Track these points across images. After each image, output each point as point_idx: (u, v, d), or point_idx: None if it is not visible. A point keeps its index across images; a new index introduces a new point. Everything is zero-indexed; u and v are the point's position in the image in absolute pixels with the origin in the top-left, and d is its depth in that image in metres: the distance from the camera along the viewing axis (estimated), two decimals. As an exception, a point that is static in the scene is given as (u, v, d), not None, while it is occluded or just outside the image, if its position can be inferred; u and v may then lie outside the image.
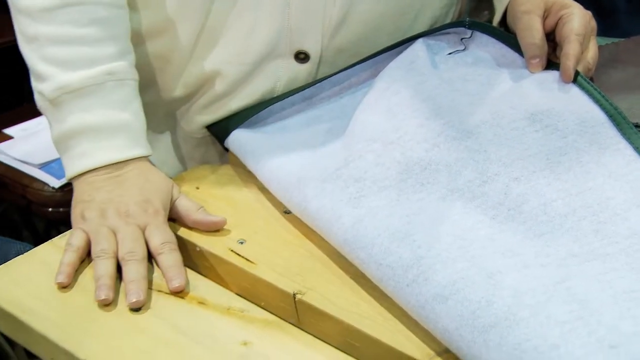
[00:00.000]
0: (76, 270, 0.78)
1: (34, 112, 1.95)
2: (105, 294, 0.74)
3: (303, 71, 0.98)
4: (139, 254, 0.78)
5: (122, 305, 0.74)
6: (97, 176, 0.85)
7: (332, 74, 0.98)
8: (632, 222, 0.71)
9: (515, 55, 0.91)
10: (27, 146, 1.87)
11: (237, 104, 0.98)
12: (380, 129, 0.84)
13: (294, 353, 0.70)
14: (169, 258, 0.78)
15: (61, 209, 1.75)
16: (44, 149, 1.82)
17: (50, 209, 1.77)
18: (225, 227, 0.84)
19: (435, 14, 1.03)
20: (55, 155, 1.80)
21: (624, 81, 0.90)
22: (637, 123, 0.81)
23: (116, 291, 0.76)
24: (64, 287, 0.76)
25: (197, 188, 0.91)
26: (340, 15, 0.94)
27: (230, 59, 0.95)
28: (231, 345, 0.70)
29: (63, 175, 1.75)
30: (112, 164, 0.85)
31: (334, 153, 0.85)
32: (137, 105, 0.90)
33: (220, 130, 0.97)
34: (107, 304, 0.74)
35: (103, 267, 0.76)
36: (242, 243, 0.82)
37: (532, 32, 0.88)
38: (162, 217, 0.83)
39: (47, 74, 0.86)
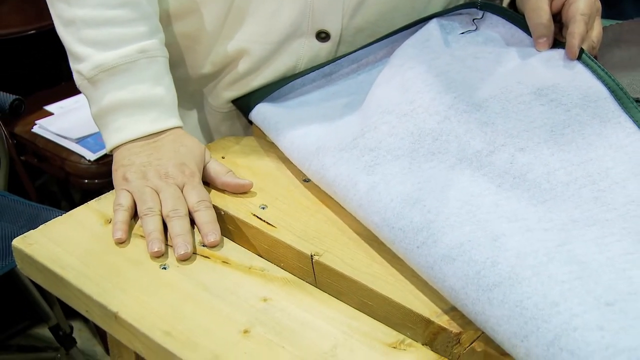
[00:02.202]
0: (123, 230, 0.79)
1: (72, 91, 1.99)
2: (158, 246, 0.76)
3: (324, 50, 0.98)
4: (182, 211, 0.80)
5: (151, 263, 0.75)
6: (134, 143, 0.86)
7: (350, 52, 0.98)
8: (630, 190, 0.72)
9: (524, 34, 0.92)
10: (65, 122, 1.90)
11: (261, 80, 0.98)
12: (395, 102, 0.84)
13: (310, 309, 0.70)
14: (205, 215, 0.80)
15: (96, 181, 1.77)
16: (80, 125, 1.84)
17: (86, 181, 1.80)
18: (248, 193, 0.85)
19: None
20: (91, 131, 1.84)
21: (626, 59, 0.90)
22: (637, 98, 0.81)
23: (144, 250, 0.77)
24: (121, 242, 0.78)
25: (223, 157, 0.92)
26: None
27: (256, 38, 0.95)
28: (252, 301, 0.71)
29: (98, 149, 1.79)
30: (147, 135, 0.87)
31: (351, 125, 0.86)
32: (168, 80, 0.91)
33: (245, 104, 0.98)
34: (158, 256, 0.76)
35: (152, 223, 0.78)
36: (263, 208, 0.83)
37: (539, 13, 0.88)
38: (197, 178, 0.85)
39: (84, 54, 0.87)
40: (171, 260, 0.76)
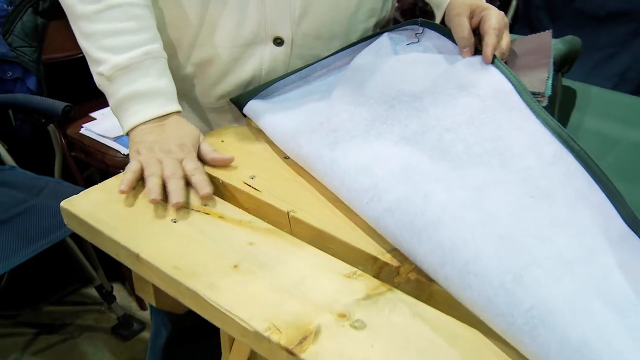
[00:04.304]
0: (133, 189, 0.81)
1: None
2: (155, 194, 0.78)
3: (281, 53, 0.99)
4: (178, 174, 0.81)
5: (165, 218, 0.77)
6: (145, 125, 0.88)
7: (321, 59, 1.00)
8: (527, 160, 0.74)
9: (453, 45, 0.94)
10: (105, 125, 1.91)
11: (235, 79, 1.00)
12: (353, 95, 0.86)
13: (285, 251, 0.72)
14: (200, 177, 0.82)
15: (130, 171, 1.79)
16: (117, 127, 1.83)
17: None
18: (240, 166, 0.87)
19: (373, 6, 1.03)
20: (126, 131, 1.85)
21: (527, 63, 0.91)
22: (533, 92, 0.84)
23: (160, 210, 0.78)
24: (124, 193, 0.80)
25: (222, 141, 0.94)
26: (302, 8, 0.96)
27: (226, 44, 0.97)
28: (241, 245, 0.73)
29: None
30: (155, 117, 0.89)
31: (319, 113, 0.88)
32: (168, 74, 0.92)
33: (240, 101, 0.99)
34: (154, 204, 0.79)
35: (153, 182, 0.80)
36: (252, 178, 0.85)
37: (462, 29, 0.91)
38: (193, 154, 0.86)
39: (103, 58, 0.89)
40: (180, 216, 0.77)
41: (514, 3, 2.45)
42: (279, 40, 0.98)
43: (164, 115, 0.89)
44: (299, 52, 1.00)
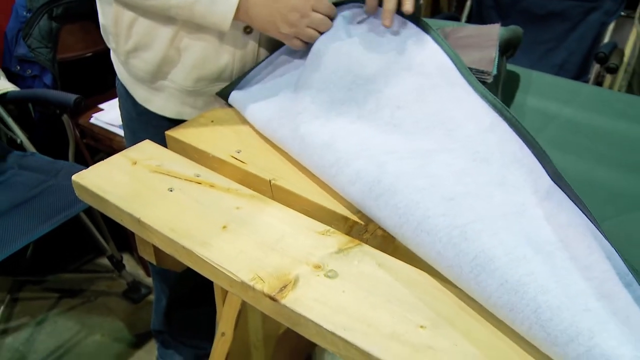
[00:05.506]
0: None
1: (116, 95, 1.99)
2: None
3: (250, 40, 0.96)
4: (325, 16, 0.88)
5: (162, 187, 0.76)
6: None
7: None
8: (468, 130, 0.74)
9: (396, 16, 0.90)
10: (112, 115, 1.89)
11: (212, 64, 0.96)
12: (314, 80, 0.85)
13: (268, 214, 0.72)
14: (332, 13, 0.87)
15: (135, 153, 1.78)
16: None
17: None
18: (228, 142, 0.86)
19: None
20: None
21: (474, 43, 0.90)
22: (482, 70, 0.83)
23: (158, 180, 0.78)
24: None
25: (212, 121, 0.92)
26: None
27: (204, 32, 0.93)
28: (229, 209, 0.73)
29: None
30: None
31: (288, 99, 0.86)
32: None
33: (224, 93, 0.96)
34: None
35: (308, 35, 0.88)
36: (239, 152, 0.84)
37: None
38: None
39: None
40: (175, 185, 0.77)
41: (468, 4, 2.46)
42: (248, 30, 0.95)
43: None
44: (265, 39, 0.97)
